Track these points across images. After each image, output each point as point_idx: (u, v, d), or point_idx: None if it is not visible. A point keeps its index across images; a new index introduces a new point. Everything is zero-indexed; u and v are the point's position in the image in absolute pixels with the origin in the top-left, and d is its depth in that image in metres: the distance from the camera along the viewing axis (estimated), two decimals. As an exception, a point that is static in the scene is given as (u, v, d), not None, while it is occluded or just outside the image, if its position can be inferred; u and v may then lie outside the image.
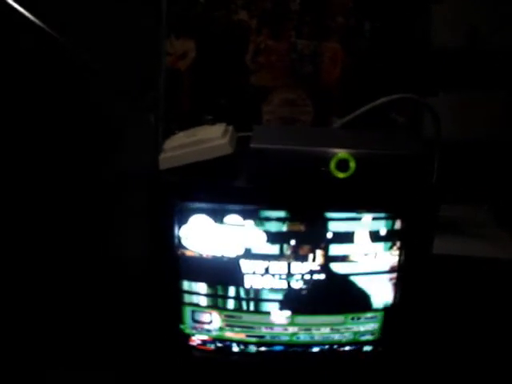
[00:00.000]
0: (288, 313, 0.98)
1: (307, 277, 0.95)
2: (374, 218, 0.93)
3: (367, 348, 1.02)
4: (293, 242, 0.93)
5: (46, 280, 1.24)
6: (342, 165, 0.90)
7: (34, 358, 1.13)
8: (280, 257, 0.94)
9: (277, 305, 0.98)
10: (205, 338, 1.01)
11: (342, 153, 0.90)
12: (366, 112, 1.03)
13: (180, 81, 1.31)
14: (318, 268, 0.95)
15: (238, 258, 0.94)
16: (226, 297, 0.97)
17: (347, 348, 1.02)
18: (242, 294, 0.97)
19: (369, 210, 0.93)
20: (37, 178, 1.23)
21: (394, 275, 0.97)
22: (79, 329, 1.19)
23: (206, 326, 1.00)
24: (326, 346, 1.01)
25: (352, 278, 0.96)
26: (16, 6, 0.86)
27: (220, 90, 1.31)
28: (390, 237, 0.94)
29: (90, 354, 1.14)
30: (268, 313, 0.98)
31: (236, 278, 0.95)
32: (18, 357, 1.11)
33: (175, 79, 1.30)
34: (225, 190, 0.94)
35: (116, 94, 1.11)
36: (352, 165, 0.90)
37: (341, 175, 0.91)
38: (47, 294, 1.23)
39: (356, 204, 0.94)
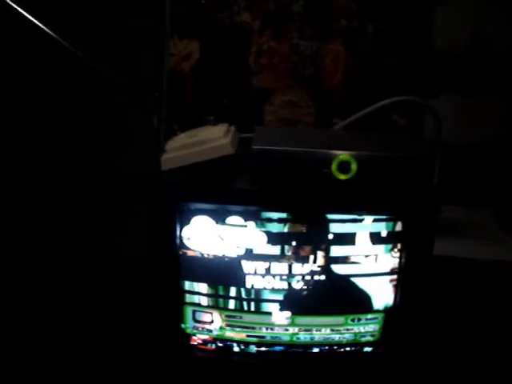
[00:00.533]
0: (288, 313, 0.98)
1: (308, 278, 0.96)
2: (374, 220, 0.94)
3: (367, 349, 1.02)
4: (294, 243, 0.94)
5: (49, 280, 1.25)
6: (344, 166, 0.90)
7: (34, 357, 1.13)
8: (281, 258, 0.95)
9: (277, 305, 0.98)
10: (206, 337, 1.01)
11: (343, 155, 0.90)
12: (368, 114, 1.03)
13: (183, 82, 1.31)
14: (319, 269, 0.95)
15: (239, 259, 0.94)
16: (226, 297, 0.97)
17: (347, 349, 1.02)
18: (243, 294, 0.97)
19: (370, 212, 0.93)
20: (42, 178, 1.23)
21: (395, 277, 0.97)
22: (80, 329, 1.19)
23: (207, 326, 1.00)
24: (327, 347, 1.01)
25: (353, 279, 0.96)
26: (25, 14, 0.86)
27: (223, 91, 1.32)
28: (391, 239, 0.95)
29: (91, 354, 1.14)
30: (269, 313, 0.98)
31: (237, 278, 0.96)
32: (18, 355, 1.12)
33: (178, 80, 1.30)
34: (226, 190, 0.95)
35: (119, 95, 1.12)
36: (353, 167, 0.90)
37: (342, 177, 0.91)
38: (50, 294, 1.23)
39: (357, 206, 0.94)
